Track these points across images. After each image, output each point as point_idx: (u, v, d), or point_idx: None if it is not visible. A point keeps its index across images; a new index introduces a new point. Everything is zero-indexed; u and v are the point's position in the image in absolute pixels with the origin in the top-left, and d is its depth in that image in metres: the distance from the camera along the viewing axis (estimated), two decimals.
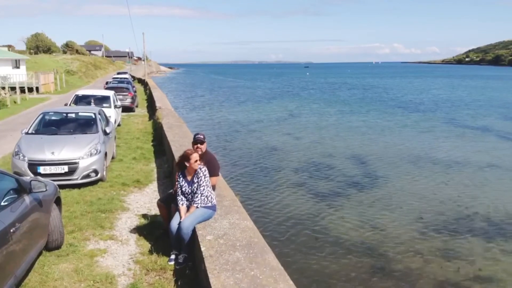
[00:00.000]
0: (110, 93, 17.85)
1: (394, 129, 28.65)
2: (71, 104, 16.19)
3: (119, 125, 17.76)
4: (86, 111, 11.15)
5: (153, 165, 11.62)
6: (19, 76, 37.89)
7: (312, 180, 16.35)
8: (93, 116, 10.84)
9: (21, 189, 5.26)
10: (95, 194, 9.05)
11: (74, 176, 9.18)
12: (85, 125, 10.54)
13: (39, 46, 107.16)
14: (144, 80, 46.46)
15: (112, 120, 15.27)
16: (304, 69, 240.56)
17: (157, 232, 6.91)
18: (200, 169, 5.96)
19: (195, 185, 5.92)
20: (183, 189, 6.01)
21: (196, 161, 5.92)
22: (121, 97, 23.24)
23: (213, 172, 6.38)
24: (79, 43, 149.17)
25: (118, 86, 24.85)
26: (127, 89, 24.37)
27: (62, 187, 9.04)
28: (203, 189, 5.90)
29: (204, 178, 5.91)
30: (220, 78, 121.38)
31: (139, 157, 12.13)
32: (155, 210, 8.01)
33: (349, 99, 50.94)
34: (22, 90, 32.59)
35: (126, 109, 23.43)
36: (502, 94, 58.06)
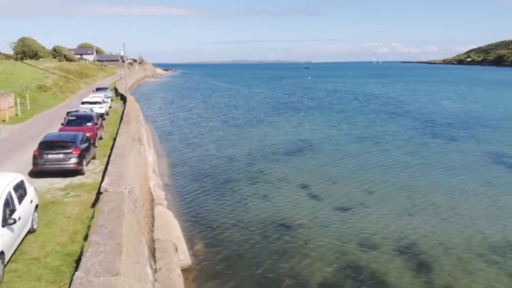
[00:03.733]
0: (3, 193, 9.16)
1: (417, 171, 23.48)
2: None
3: (29, 231, 10.52)
4: None
5: None
6: None
7: None
8: None
9: None
10: None
11: None
12: None
13: (25, 51, 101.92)
14: (126, 97, 40.98)
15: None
16: (304, 70, 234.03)
17: None
18: None
19: None
20: None
21: None
22: (61, 156, 15.77)
23: None
24: (72, 46, 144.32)
25: (59, 140, 16.56)
26: (73, 142, 16.17)
27: None
28: None
29: None
30: (216, 83, 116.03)
31: None
32: None
33: (354, 118, 45.94)
34: None
35: (69, 173, 15.90)
36: None
